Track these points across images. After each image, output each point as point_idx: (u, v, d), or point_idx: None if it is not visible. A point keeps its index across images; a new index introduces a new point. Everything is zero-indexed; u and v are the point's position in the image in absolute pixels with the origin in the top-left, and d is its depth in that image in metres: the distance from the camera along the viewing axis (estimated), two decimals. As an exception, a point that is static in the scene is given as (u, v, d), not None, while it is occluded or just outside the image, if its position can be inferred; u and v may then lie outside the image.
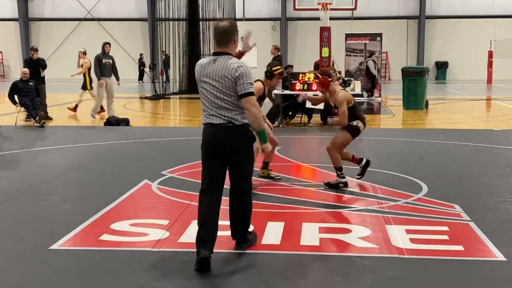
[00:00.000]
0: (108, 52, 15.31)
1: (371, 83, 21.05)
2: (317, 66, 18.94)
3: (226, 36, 4.68)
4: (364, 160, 7.62)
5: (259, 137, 4.75)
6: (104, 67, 15.00)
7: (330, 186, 7.32)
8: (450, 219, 5.93)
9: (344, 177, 7.33)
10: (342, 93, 7.29)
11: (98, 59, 15.03)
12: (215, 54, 4.70)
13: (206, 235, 4.59)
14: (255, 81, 7.27)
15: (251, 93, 4.55)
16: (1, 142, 11.77)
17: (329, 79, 7.39)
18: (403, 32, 38.44)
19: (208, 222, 4.62)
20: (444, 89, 29.83)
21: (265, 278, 4.42)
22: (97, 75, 14.97)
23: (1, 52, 39.71)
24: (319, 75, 7.53)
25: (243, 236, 5.01)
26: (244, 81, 4.52)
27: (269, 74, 7.30)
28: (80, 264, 4.72)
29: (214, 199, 4.68)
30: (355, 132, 7.37)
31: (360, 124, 7.36)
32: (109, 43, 15.56)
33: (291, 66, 16.23)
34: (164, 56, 26.06)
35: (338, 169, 7.34)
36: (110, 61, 15.17)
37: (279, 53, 15.96)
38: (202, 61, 4.73)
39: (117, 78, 15.51)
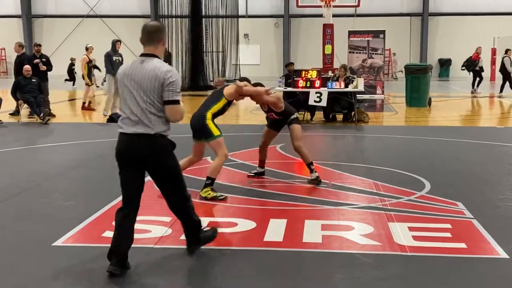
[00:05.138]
0: (119, 50, 15.30)
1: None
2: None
3: (154, 36, 4.42)
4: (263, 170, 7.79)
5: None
6: (114, 64, 14.99)
7: (314, 182, 7.29)
8: (453, 216, 5.92)
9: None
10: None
11: (108, 56, 15.05)
12: (142, 55, 4.43)
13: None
14: (255, 84, 7.26)
15: (177, 102, 4.33)
16: (4, 138, 11.78)
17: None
18: (406, 29, 38.36)
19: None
20: (447, 86, 29.78)
21: (268, 275, 4.42)
22: (109, 71, 14.98)
23: (4, 49, 39.73)
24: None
25: (196, 238, 4.84)
26: (172, 88, 4.28)
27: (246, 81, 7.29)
28: (82, 261, 4.73)
29: (130, 214, 4.52)
30: (298, 121, 7.57)
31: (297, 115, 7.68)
32: (120, 41, 15.53)
33: (292, 64, 16.19)
34: (166, 53, 26.02)
35: (311, 164, 7.41)
36: (120, 58, 15.19)
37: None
38: (127, 64, 4.47)
39: None
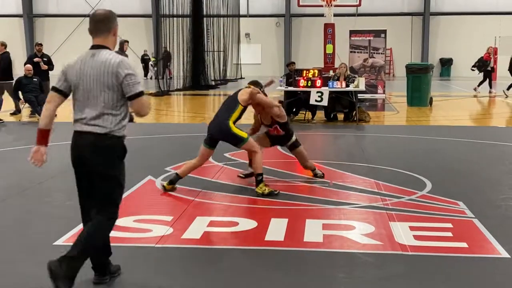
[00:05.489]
0: (126, 50, 15.29)
1: None
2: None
3: (103, 25, 3.94)
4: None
5: None
6: None
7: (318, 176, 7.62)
8: (454, 216, 5.92)
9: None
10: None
11: None
12: (92, 48, 3.97)
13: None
14: (239, 92, 7.07)
15: (141, 93, 3.88)
16: (6, 138, 11.79)
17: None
18: (408, 28, 38.37)
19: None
20: (449, 86, 29.76)
21: (269, 275, 4.42)
22: None
23: (5, 48, 39.78)
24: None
25: (102, 265, 4.22)
26: (132, 80, 3.84)
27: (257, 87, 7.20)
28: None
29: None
30: (299, 142, 7.64)
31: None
32: (127, 41, 15.54)
33: (293, 63, 16.20)
34: (165, 52, 25.95)
35: (315, 169, 7.70)
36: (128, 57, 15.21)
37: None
38: (76, 57, 4.00)
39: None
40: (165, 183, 6.91)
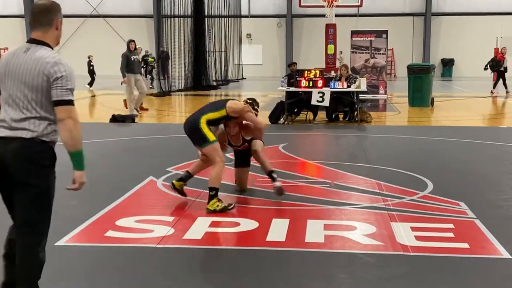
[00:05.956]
0: (134, 49, 15.41)
1: None
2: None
3: (44, 17, 3.46)
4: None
5: (72, 160, 3.56)
6: (134, 64, 15.22)
7: (278, 192, 6.58)
8: (455, 216, 5.92)
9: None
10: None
11: (126, 57, 15.21)
12: (28, 42, 3.49)
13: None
14: (231, 100, 6.48)
15: (71, 102, 3.38)
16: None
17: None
18: (409, 29, 38.37)
19: None
20: (450, 86, 29.75)
21: (270, 275, 4.42)
22: (123, 73, 15.14)
23: (6, 49, 39.80)
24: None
25: None
26: (63, 84, 3.35)
27: (250, 105, 6.58)
28: (85, 260, 4.74)
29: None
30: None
31: None
32: (133, 41, 15.61)
33: (295, 63, 16.20)
34: (162, 53, 25.88)
35: (272, 171, 6.70)
36: (138, 57, 15.32)
37: None
38: (9, 52, 3.55)
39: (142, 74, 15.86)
40: (174, 181, 6.54)
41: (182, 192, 6.50)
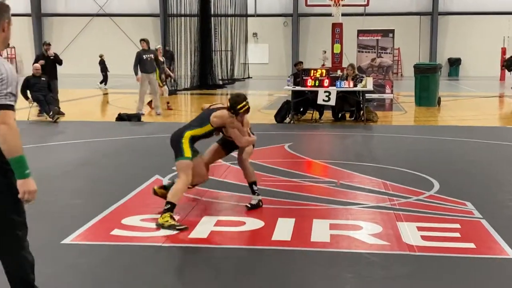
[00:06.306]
0: (147, 48, 15.42)
1: None
2: None
3: None
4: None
5: (13, 167, 3.20)
6: (146, 63, 15.19)
7: (254, 207, 6.20)
8: (461, 216, 5.90)
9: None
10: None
11: (138, 56, 15.24)
12: None
13: None
14: (219, 110, 6.12)
15: (7, 106, 3.15)
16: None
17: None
18: (416, 28, 38.25)
19: None
20: (457, 86, 29.66)
21: (276, 274, 4.42)
22: (135, 71, 15.20)
23: (14, 48, 39.96)
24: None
25: None
26: (1, 88, 3.11)
27: (233, 111, 6.01)
28: (91, 259, 4.75)
29: None
30: None
31: None
32: (143, 40, 15.63)
33: (301, 63, 16.19)
34: (167, 52, 25.89)
35: (254, 183, 6.36)
36: (151, 55, 15.28)
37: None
38: None
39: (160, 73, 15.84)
40: (155, 187, 6.29)
41: (164, 197, 6.01)
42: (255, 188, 6.29)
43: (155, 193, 6.22)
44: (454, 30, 38.13)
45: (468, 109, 17.34)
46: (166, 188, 6.15)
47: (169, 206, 5.61)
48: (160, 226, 5.47)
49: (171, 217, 5.53)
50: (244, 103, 6.05)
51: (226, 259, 4.73)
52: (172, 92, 22.72)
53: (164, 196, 6.01)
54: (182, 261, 4.74)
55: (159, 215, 5.59)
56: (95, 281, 4.32)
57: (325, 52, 34.59)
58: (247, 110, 6.12)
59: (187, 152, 5.85)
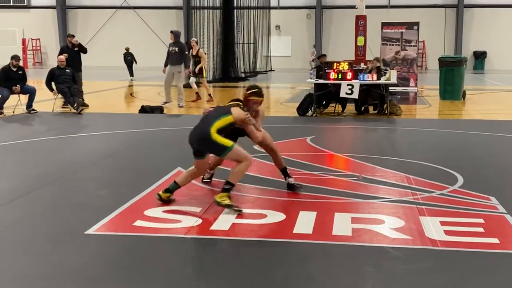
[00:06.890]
0: (173, 41, 15.64)
1: None
2: None
3: None
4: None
5: None
6: (170, 55, 15.51)
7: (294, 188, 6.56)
8: (485, 211, 5.83)
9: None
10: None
11: (168, 48, 15.67)
12: None
13: None
14: (233, 107, 6.12)
15: None
16: (39, 128, 12.00)
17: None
18: (441, 21, 37.82)
19: None
20: (482, 79, 29.29)
21: (297, 267, 4.42)
22: (164, 64, 15.64)
23: (38, 39, 40.39)
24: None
25: None
26: None
27: (244, 100, 6.15)
28: (114, 249, 4.80)
29: None
30: None
31: None
32: (171, 31, 15.90)
33: (324, 55, 16.11)
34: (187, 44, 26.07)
35: (285, 168, 6.66)
36: (176, 49, 15.46)
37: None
38: None
39: (186, 66, 15.94)
40: (161, 192, 6.14)
41: (169, 202, 6.09)
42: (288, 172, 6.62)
43: (160, 198, 6.07)
44: (480, 23, 37.63)
45: (493, 103, 17.12)
46: (170, 190, 6.12)
47: (229, 186, 5.83)
48: (217, 204, 5.73)
49: (229, 197, 5.77)
50: (256, 89, 6.24)
51: (247, 252, 4.74)
52: (196, 85, 22.79)
53: (169, 200, 6.05)
54: (204, 252, 4.76)
55: (216, 194, 5.82)
56: (118, 271, 4.36)
57: (314, 46, 34.35)
58: (258, 95, 6.22)
59: (227, 142, 5.85)
